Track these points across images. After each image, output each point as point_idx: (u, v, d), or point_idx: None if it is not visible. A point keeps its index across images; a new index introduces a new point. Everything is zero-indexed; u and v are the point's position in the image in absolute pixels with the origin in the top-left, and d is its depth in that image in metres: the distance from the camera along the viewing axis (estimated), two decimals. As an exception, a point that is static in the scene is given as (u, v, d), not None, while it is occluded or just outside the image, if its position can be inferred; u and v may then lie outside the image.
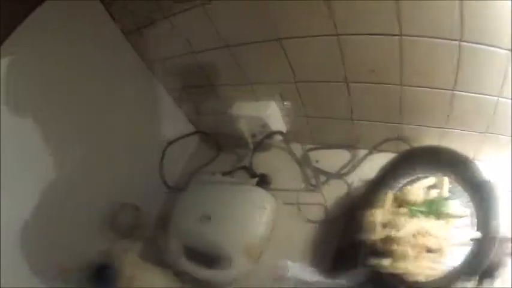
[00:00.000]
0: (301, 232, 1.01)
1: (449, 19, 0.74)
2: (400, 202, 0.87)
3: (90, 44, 0.99)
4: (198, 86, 1.18)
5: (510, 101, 0.82)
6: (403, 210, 0.85)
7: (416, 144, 0.99)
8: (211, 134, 1.33)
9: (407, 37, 0.81)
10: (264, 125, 1.11)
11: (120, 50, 1.10)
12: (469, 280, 0.74)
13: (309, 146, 1.15)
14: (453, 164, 0.87)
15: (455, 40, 0.77)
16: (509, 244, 0.80)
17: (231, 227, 0.99)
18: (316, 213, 1.04)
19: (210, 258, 0.98)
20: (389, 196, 0.89)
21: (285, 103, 1.08)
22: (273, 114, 1.11)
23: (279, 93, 1.07)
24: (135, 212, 1.06)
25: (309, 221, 1.03)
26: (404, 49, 0.83)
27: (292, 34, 0.91)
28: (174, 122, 1.29)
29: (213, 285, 0.99)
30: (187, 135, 1.32)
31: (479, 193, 0.82)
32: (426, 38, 0.79)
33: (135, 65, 1.14)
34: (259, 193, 1.04)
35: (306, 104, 1.08)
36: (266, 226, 0.99)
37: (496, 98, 0.83)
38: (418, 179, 0.90)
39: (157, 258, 1.06)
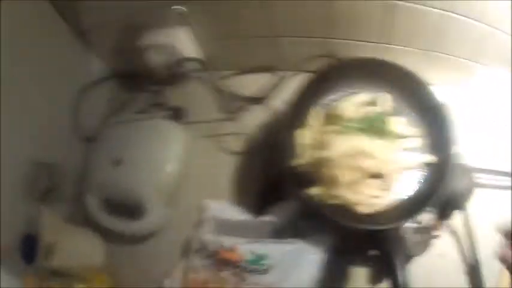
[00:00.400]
0: (221, 166, 0.91)
1: None
2: (331, 119, 0.75)
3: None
4: (109, 21, 0.99)
5: (456, 15, 0.73)
6: (335, 127, 0.73)
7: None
8: (127, 74, 1.14)
9: None
10: (176, 53, 0.96)
11: None
12: (422, 211, 0.67)
13: (226, 72, 1.02)
14: (398, 81, 0.76)
15: None
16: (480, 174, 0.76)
17: (141, 167, 0.87)
18: (237, 144, 0.93)
19: (128, 208, 0.87)
20: (317, 113, 0.77)
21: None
22: (185, 40, 0.96)
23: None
24: (51, 171, 0.91)
25: (228, 152, 0.93)
26: None
27: None
28: (86, 65, 1.11)
29: (135, 239, 0.88)
30: (103, 79, 1.13)
31: (431, 116, 0.74)
32: None
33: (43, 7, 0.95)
34: (169, 127, 0.93)
35: (220, 24, 0.94)
36: (177, 162, 0.89)
37: (438, 11, 0.73)
38: (352, 94, 0.78)
39: (81, 218, 0.94)
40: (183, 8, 0.88)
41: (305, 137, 0.75)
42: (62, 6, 0.97)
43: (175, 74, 1.01)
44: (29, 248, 0.81)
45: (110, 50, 1.10)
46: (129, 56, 1.04)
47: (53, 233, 0.81)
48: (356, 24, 0.84)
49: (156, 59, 0.98)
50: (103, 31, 1.03)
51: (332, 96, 0.80)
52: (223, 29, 0.95)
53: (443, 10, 0.73)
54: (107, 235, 0.91)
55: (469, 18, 0.74)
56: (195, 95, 1.03)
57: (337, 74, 0.80)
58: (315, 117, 0.77)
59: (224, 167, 0.91)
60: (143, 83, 1.11)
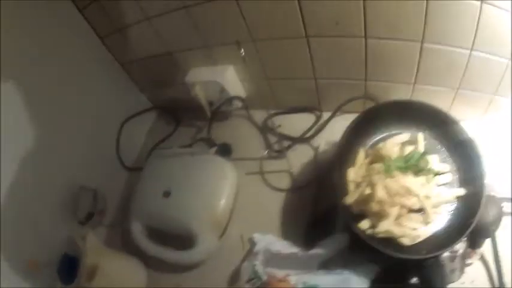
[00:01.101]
0: (268, 202, 0.95)
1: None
2: (374, 158, 0.81)
3: (44, 15, 0.88)
4: (153, 56, 1.08)
5: (483, 54, 0.77)
6: (378, 166, 0.78)
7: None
8: (168, 107, 1.24)
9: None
10: (222, 91, 1.02)
11: (73, 23, 0.99)
12: (458, 241, 0.70)
13: (270, 111, 1.07)
14: (431, 120, 0.82)
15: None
16: (506, 203, 0.78)
17: (192, 200, 0.91)
18: (283, 181, 0.97)
19: (175, 238, 0.90)
20: (361, 153, 0.82)
21: (242, 52, 0.93)
22: (231, 79, 1.02)
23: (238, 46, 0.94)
24: (94, 196, 0.97)
25: (275, 189, 0.96)
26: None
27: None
28: (129, 97, 1.19)
29: (181, 267, 0.91)
30: (144, 111, 1.22)
31: (461, 150, 0.78)
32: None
33: (88, 39, 1.04)
34: (219, 163, 0.96)
35: (265, 64, 0.99)
36: (228, 197, 0.92)
37: (468, 51, 0.78)
38: (391, 135, 0.84)
39: (122, 243, 0.98)
40: (242, 51, 0.93)
41: (350, 174, 0.79)
42: (111, 40, 1.06)
43: (221, 111, 1.07)
44: (68, 268, 0.84)
45: (154, 84, 1.18)
46: (174, 91, 1.11)
47: (95, 255, 0.84)
48: (389, 66, 0.89)
49: (201, 96, 1.04)
50: (147, 65, 1.11)
51: (376, 137, 0.85)
52: (269, 69, 1.00)
53: (468, 49, 0.78)
54: (150, 262, 0.94)
55: (493, 55, 0.78)
56: (240, 132, 1.08)
57: (380, 115, 0.85)
58: (359, 156, 0.82)
59: (270, 202, 0.94)
60: (186, 117, 1.18)
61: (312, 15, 0.83)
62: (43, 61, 0.89)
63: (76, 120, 0.98)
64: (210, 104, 1.06)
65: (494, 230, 0.76)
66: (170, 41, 1.02)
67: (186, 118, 1.18)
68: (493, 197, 0.77)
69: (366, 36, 0.83)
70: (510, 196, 0.79)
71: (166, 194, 0.92)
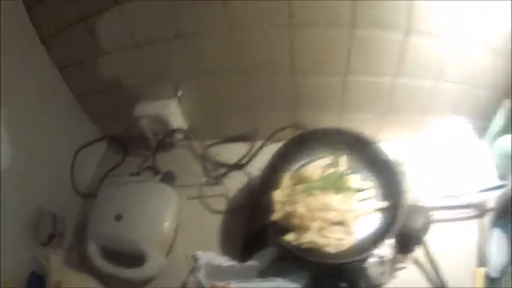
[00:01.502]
0: (208, 223, 1.05)
1: (341, 7, 0.82)
2: (297, 181, 0.94)
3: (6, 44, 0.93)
4: (105, 90, 1.16)
5: (408, 79, 0.93)
6: (300, 187, 0.92)
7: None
8: (117, 137, 1.31)
9: (297, 29, 0.89)
10: (165, 123, 1.13)
11: (34, 53, 1.05)
12: (378, 247, 0.83)
13: (208, 142, 1.20)
14: (352, 144, 0.96)
15: (347, 27, 0.86)
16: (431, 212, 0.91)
17: (142, 223, 1.00)
18: (220, 204, 1.09)
19: (127, 257, 0.98)
20: (286, 177, 0.96)
21: (179, 93, 1.09)
22: (174, 112, 1.14)
23: (176, 87, 1.10)
24: (54, 219, 1.03)
25: (214, 211, 1.08)
26: (295, 39, 0.91)
27: (190, 31, 0.95)
28: (82, 127, 1.26)
29: (133, 284, 0.99)
30: (95, 141, 1.29)
31: (382, 168, 0.93)
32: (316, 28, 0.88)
33: (47, 70, 1.10)
34: (163, 189, 1.07)
35: (203, 100, 1.13)
36: (171, 220, 1.02)
37: (390, 79, 0.94)
38: (315, 159, 0.98)
39: (80, 263, 1.04)
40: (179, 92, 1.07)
41: (277, 196, 0.93)
42: (69, 72, 1.13)
43: (164, 141, 1.17)
44: (36, 285, 0.91)
45: (105, 115, 1.26)
46: (122, 122, 1.19)
47: (58, 274, 0.91)
48: (319, 98, 1.05)
49: (147, 128, 1.14)
50: (99, 98, 1.19)
51: (300, 161, 1.00)
52: (208, 103, 1.13)
53: (392, 76, 0.94)
54: (106, 280, 0.99)
55: (418, 78, 0.94)
56: (183, 161, 1.19)
57: (303, 142, 1.00)
58: (284, 179, 0.96)
59: (210, 224, 1.05)
60: (134, 147, 1.26)
61: (243, 53, 0.97)
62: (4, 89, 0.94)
63: (35, 146, 1.03)
64: (155, 135, 1.17)
65: (423, 236, 0.89)
66: (122, 77, 1.11)
67: (134, 148, 1.27)
68: (421, 207, 0.91)
69: (293, 73, 0.98)
70: (438, 205, 0.93)
71: (118, 218, 1.00)
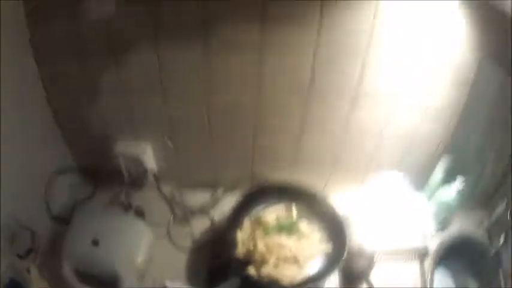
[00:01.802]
0: (176, 259, 1.19)
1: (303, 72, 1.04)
2: (257, 224, 1.14)
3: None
4: (88, 126, 1.26)
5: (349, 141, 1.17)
6: (259, 229, 1.12)
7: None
8: (92, 169, 1.39)
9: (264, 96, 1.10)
10: (140, 164, 1.26)
11: (31, 81, 1.12)
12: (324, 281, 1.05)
13: (178, 185, 1.34)
14: (299, 196, 1.19)
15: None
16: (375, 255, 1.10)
17: (118, 250, 1.10)
18: (187, 242, 1.23)
19: (102, 280, 1.07)
20: (247, 221, 1.16)
21: (169, 143, 1.24)
22: (148, 155, 1.27)
23: (153, 136, 1.25)
24: (32, 235, 1.09)
25: (181, 248, 1.22)
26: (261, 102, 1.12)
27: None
28: (60, 156, 1.33)
29: None
30: (70, 169, 1.35)
31: (327, 217, 1.15)
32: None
33: (38, 97, 1.17)
34: (136, 223, 1.19)
35: (175, 151, 1.28)
36: (146, 251, 1.14)
37: (337, 137, 1.18)
38: (271, 206, 1.19)
39: (51, 282, 1.09)
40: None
41: (238, 235, 1.12)
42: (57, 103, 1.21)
43: (137, 180, 1.30)
44: None
45: (84, 148, 1.35)
46: (98, 155, 1.29)
47: (37, 282, 1.01)
48: (272, 153, 1.26)
49: (123, 166, 1.26)
50: (82, 132, 1.29)
51: (258, 208, 1.19)
52: (178, 155, 1.29)
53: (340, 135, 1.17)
54: None
55: (362, 138, 1.18)
56: (152, 199, 1.32)
57: (261, 192, 1.21)
58: (247, 222, 1.15)
59: (178, 259, 1.19)
60: (107, 180, 1.35)
61: (214, 106, 1.15)
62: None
63: (14, 159, 1.07)
64: (129, 173, 1.28)
65: (367, 275, 1.09)
66: (107, 120, 1.23)
67: (107, 180, 1.35)
68: (363, 250, 1.10)
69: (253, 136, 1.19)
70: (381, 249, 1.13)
71: (95, 243, 1.09)
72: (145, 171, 1.28)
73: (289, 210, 1.18)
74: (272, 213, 1.17)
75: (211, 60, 1.03)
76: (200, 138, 1.22)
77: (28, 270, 1.01)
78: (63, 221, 1.23)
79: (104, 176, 1.36)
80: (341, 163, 1.26)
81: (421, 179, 1.26)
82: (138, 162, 1.26)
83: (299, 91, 1.08)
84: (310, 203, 1.19)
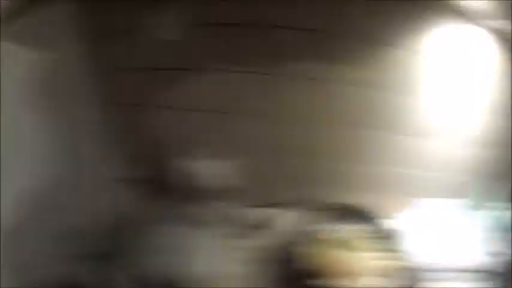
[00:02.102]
0: (238, 270, 1.16)
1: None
2: (324, 241, 1.18)
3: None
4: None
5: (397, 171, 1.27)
6: (332, 247, 1.16)
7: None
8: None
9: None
10: (201, 179, 1.27)
11: None
12: None
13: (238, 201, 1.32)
14: (360, 216, 1.25)
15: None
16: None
17: (179, 260, 1.08)
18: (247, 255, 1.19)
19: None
20: (315, 237, 1.19)
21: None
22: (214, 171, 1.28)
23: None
24: None
25: (241, 261, 1.18)
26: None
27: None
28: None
29: None
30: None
31: (385, 236, 1.21)
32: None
33: None
34: (200, 235, 1.18)
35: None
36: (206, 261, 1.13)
37: (384, 169, 1.29)
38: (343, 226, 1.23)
39: None
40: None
41: (309, 250, 1.15)
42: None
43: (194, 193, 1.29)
44: None
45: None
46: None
47: None
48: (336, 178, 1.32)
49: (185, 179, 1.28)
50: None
51: (326, 226, 1.23)
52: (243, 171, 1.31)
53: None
54: None
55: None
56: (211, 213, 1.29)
57: (326, 212, 1.26)
58: (315, 238, 1.19)
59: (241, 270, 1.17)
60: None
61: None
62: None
63: None
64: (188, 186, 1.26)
65: None
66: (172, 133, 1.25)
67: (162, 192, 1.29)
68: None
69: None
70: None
71: (159, 251, 1.07)
72: (205, 186, 1.30)
73: (358, 231, 1.23)
74: (345, 232, 1.22)
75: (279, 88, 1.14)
76: (271, 158, 1.26)
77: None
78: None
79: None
80: (389, 189, 1.35)
81: (480, 201, 1.35)
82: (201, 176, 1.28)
83: (363, 125, 1.20)
84: (369, 223, 1.25)
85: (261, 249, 1.25)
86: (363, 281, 1.12)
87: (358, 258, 1.15)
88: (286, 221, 1.30)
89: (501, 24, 1.01)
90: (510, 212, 1.28)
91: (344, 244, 1.18)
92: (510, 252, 1.24)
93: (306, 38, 1.10)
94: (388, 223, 1.24)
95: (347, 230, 1.23)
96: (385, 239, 1.21)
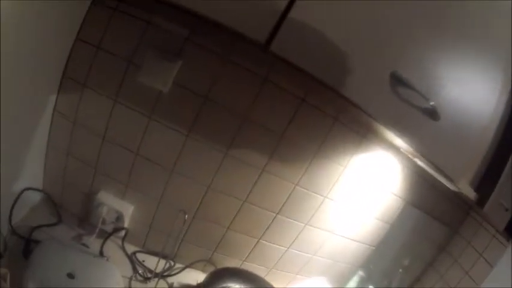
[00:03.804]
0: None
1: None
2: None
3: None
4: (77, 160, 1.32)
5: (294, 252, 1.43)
6: None
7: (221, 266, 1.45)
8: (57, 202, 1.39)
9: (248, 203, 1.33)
10: (119, 219, 1.36)
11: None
12: None
13: (137, 249, 1.43)
14: (249, 279, 1.38)
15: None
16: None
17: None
18: None
19: None
20: None
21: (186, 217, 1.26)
22: (129, 215, 1.38)
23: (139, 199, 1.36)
24: (4, 241, 1.05)
25: None
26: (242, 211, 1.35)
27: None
28: (35, 175, 1.32)
29: None
30: (44, 192, 1.36)
31: None
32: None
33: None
34: (110, 266, 1.23)
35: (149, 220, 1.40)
36: None
37: (285, 249, 1.44)
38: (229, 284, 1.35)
39: None
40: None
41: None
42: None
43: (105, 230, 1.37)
44: None
45: (61, 179, 1.38)
46: (75, 195, 1.38)
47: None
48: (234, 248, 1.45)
49: (101, 214, 1.34)
50: (68, 162, 1.35)
51: (220, 285, 1.34)
52: (152, 225, 1.41)
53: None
54: None
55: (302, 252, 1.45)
56: (116, 253, 1.38)
57: (224, 274, 1.38)
58: None
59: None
60: (70, 216, 1.39)
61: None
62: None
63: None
64: (103, 221, 1.33)
65: None
66: (103, 164, 1.31)
67: (70, 217, 1.38)
68: None
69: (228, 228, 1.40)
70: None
71: (71, 277, 1.08)
72: (120, 228, 1.37)
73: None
74: None
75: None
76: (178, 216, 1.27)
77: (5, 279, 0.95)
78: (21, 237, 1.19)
79: (70, 213, 1.39)
80: (283, 265, 1.51)
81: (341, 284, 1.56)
82: (117, 216, 1.36)
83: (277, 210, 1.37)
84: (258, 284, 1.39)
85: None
86: None
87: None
88: (183, 276, 1.40)
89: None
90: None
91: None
92: None
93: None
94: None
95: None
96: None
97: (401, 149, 1.30)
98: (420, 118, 0.97)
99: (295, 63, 0.87)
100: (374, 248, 1.56)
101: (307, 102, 1.21)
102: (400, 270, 1.68)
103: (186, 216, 1.22)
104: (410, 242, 1.64)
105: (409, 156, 1.28)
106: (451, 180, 1.22)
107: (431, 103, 0.95)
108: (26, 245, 1.19)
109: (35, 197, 1.37)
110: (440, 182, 1.25)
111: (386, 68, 0.90)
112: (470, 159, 1.19)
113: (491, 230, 1.50)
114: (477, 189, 1.28)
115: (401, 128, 1.03)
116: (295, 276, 1.53)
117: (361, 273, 1.57)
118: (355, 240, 1.50)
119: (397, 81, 0.92)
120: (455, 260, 1.62)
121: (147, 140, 1.26)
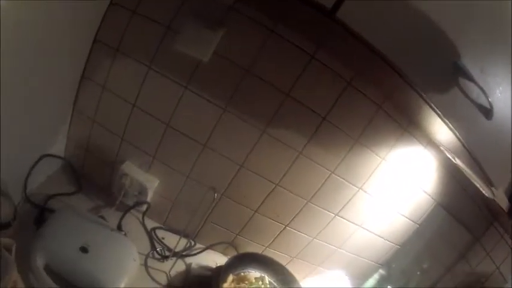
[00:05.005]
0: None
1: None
2: (238, 281, 1.22)
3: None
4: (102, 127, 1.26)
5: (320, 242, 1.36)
6: (242, 285, 1.20)
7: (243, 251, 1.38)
8: (78, 170, 1.33)
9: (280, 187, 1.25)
10: (141, 193, 1.28)
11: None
12: None
13: (157, 225, 1.36)
14: (274, 267, 1.32)
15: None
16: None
17: (108, 265, 1.04)
18: (162, 278, 1.19)
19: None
20: (231, 277, 1.22)
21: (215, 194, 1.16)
22: (152, 189, 1.29)
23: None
24: (15, 209, 0.95)
25: (155, 281, 1.18)
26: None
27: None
28: (59, 141, 1.27)
29: None
30: (65, 159, 1.30)
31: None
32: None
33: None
34: (127, 241, 1.15)
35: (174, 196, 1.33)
36: (132, 272, 1.09)
37: (310, 239, 1.36)
38: (251, 270, 1.29)
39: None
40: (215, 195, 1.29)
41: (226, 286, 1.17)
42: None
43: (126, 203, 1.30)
44: None
45: (87, 146, 1.32)
46: (98, 164, 1.33)
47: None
48: (259, 233, 1.36)
49: (124, 185, 1.28)
50: (93, 128, 1.30)
51: (242, 269, 1.28)
52: (174, 197, 1.34)
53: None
54: None
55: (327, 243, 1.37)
56: (135, 227, 1.31)
57: (246, 258, 1.31)
58: (231, 277, 1.22)
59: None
60: (91, 186, 1.33)
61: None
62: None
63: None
64: (124, 194, 1.26)
65: None
66: (130, 133, 1.24)
67: (91, 187, 1.31)
68: None
69: (256, 211, 1.31)
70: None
71: (84, 251, 1.01)
72: (141, 202, 1.30)
73: (263, 278, 1.29)
74: (252, 275, 1.27)
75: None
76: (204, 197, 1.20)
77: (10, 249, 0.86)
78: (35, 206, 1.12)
79: (90, 182, 1.33)
80: (306, 255, 1.43)
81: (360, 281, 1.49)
82: (140, 190, 1.28)
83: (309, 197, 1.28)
84: (278, 274, 1.32)
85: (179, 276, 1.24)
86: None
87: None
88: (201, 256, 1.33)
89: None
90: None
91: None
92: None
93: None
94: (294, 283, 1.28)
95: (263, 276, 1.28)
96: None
97: (441, 147, 1.22)
98: (475, 113, 0.93)
99: (359, 32, 0.81)
100: (399, 247, 1.46)
101: (352, 85, 1.12)
102: (418, 272, 1.60)
103: (216, 194, 1.12)
104: (433, 244, 1.56)
105: (448, 154, 1.20)
106: (490, 184, 1.16)
107: (490, 99, 0.88)
108: (39, 214, 1.12)
109: (54, 165, 1.30)
110: (472, 186, 1.18)
111: (449, 56, 0.86)
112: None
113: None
114: (510, 198, 1.23)
115: (456, 119, 0.97)
116: (316, 268, 1.45)
117: (382, 271, 1.49)
118: (381, 237, 1.41)
119: (458, 71, 0.87)
120: (472, 269, 1.55)
121: (180, 112, 1.17)
